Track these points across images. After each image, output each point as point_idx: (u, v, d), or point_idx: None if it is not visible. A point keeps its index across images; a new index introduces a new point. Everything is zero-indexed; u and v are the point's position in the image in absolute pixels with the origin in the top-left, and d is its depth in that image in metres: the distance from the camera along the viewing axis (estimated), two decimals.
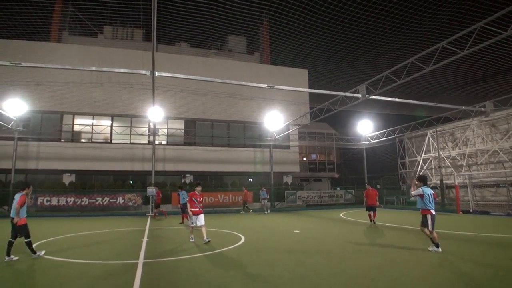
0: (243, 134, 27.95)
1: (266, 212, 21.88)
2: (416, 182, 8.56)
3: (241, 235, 11.17)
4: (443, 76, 24.40)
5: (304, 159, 37.26)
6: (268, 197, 22.62)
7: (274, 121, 24.30)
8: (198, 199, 9.89)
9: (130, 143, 24.62)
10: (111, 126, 24.73)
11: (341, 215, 19.76)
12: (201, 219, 9.82)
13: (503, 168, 22.57)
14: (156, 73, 15.64)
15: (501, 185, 22.76)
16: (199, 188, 10.07)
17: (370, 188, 15.25)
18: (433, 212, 8.11)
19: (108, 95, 23.76)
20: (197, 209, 9.79)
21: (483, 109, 20.51)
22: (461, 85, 25.86)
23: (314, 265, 6.78)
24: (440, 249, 7.94)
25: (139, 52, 24.33)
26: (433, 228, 8.07)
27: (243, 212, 22.52)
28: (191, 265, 6.93)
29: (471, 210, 19.61)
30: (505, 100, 19.91)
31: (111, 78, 23.34)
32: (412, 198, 12.77)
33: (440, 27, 18.83)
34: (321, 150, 39.00)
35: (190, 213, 9.79)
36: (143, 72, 15.81)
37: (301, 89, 20.90)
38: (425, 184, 8.39)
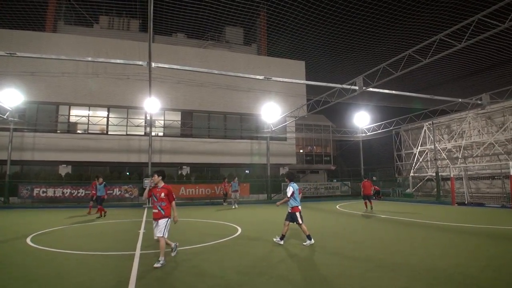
0: (240, 125, 27.92)
1: (233, 207, 19.74)
2: (286, 180, 8.63)
3: (237, 227, 11.22)
4: (440, 69, 24.39)
5: (301, 151, 37.33)
6: (238, 189, 20.71)
7: (271, 113, 24.27)
8: (158, 195, 6.52)
9: (127, 135, 24.55)
10: (107, 117, 24.64)
11: (337, 207, 19.88)
12: (159, 227, 6.38)
13: (498, 161, 22.76)
14: (153, 64, 15.58)
15: (496, 177, 22.98)
16: (156, 178, 6.67)
17: (366, 180, 17.44)
18: (300, 207, 8.29)
19: (104, 86, 23.63)
20: (156, 211, 6.48)
21: (479, 102, 20.57)
22: (458, 77, 25.85)
23: (310, 256, 6.83)
24: (312, 241, 8.06)
25: (135, 42, 24.18)
26: (302, 221, 8.24)
27: (225, 204, 21.93)
28: (187, 256, 6.96)
29: (466, 202, 19.77)
30: (501, 92, 19.96)
31: (107, 68, 23.20)
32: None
33: (438, 19, 18.77)
34: (317, 142, 39.04)
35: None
36: (140, 63, 15.73)
37: (298, 81, 20.88)
38: (292, 180, 8.53)
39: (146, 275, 5.54)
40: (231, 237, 9.30)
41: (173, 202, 6.64)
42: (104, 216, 14.88)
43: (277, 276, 5.44)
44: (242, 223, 12.29)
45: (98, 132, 24.42)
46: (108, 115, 24.68)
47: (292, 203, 8.21)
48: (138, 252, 7.30)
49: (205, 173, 27.22)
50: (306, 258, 6.67)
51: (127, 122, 24.67)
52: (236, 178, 20.68)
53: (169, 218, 6.53)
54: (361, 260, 6.47)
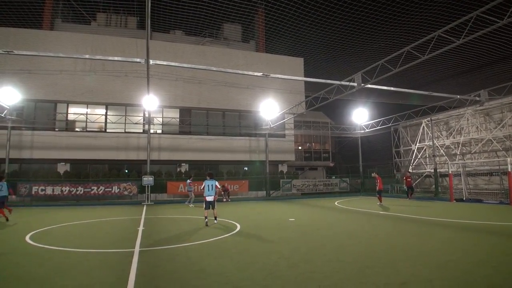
0: (239, 123, 27.92)
1: (191, 205, 19.03)
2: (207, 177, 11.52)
3: (236, 223, 11.25)
4: (438, 65, 24.39)
5: (300, 148, 37.36)
6: (192, 188, 19.82)
7: (270, 110, 24.26)
8: None
9: (125, 132, 24.52)
10: (106, 115, 24.59)
11: (335, 203, 19.92)
12: None
13: (496, 157, 22.79)
14: (151, 61, 15.53)
15: (494, 173, 23.01)
16: None
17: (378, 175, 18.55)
18: (207, 198, 11.09)
19: (102, 83, 23.54)
20: None
21: (477, 98, 20.59)
22: (456, 74, 25.88)
23: (309, 253, 6.84)
24: (216, 221, 11.32)
25: (133, 40, 24.09)
26: (207, 208, 11.11)
27: (228, 200, 22.71)
28: (187, 253, 6.98)
29: (464, 198, 19.82)
30: (499, 89, 19.98)
31: (105, 66, 23.11)
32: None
33: (436, 16, 18.75)
34: (316, 139, 39.09)
35: None
36: (138, 60, 15.70)
37: (296, 77, 20.90)
38: (211, 177, 11.41)
39: (145, 272, 5.54)
40: (230, 233, 9.32)
41: None
42: (7, 220, 12.22)
43: (277, 272, 5.45)
44: (241, 220, 12.31)
45: (96, 130, 24.37)
46: (106, 112, 24.63)
47: (204, 194, 11.13)
48: (137, 249, 7.31)
49: (204, 170, 27.20)
50: (305, 253, 6.69)
51: (125, 119, 24.64)
52: (192, 177, 20.70)
53: None
54: (360, 256, 6.49)
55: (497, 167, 21.58)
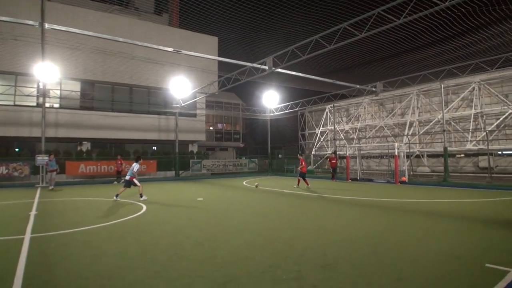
0: (147, 100, 26.72)
1: (50, 187, 16.82)
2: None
3: (142, 204, 10.90)
4: (343, 55, 26.16)
5: (211, 128, 37.33)
6: (57, 168, 17.72)
7: (181, 88, 23.68)
8: None
9: (15, 105, 21.70)
10: None
11: (244, 182, 20.50)
12: None
13: (386, 142, 25.65)
14: (46, 25, 13.97)
15: (384, 156, 25.93)
16: None
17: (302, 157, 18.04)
18: (128, 177, 12.31)
19: None
20: None
21: (374, 89, 22.80)
22: (356, 65, 28.07)
23: (215, 231, 6.97)
24: (146, 197, 12.27)
25: None
26: (124, 186, 12.37)
27: (116, 182, 20.39)
28: (85, 237, 6.56)
29: (358, 178, 21.96)
30: (392, 82, 22.38)
31: None
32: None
33: (345, 8, 19.91)
34: (227, 120, 39.41)
35: None
36: (31, 22, 13.98)
37: (209, 56, 20.66)
38: (136, 161, 12.57)
39: (37, 261, 5.08)
40: (134, 215, 9.01)
41: None
42: None
43: (181, 252, 5.44)
44: (147, 201, 11.96)
45: None
46: None
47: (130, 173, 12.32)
48: (28, 236, 6.65)
49: (108, 149, 25.66)
50: (211, 232, 6.77)
51: (15, 90, 21.78)
52: (53, 156, 17.42)
53: None
54: (263, 231, 6.80)
55: (387, 151, 24.32)
